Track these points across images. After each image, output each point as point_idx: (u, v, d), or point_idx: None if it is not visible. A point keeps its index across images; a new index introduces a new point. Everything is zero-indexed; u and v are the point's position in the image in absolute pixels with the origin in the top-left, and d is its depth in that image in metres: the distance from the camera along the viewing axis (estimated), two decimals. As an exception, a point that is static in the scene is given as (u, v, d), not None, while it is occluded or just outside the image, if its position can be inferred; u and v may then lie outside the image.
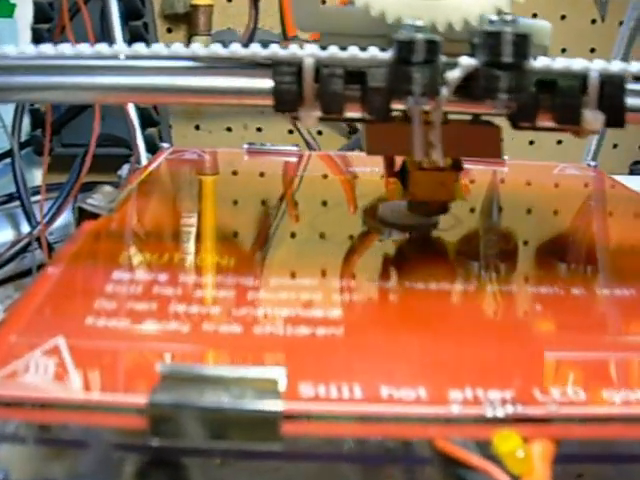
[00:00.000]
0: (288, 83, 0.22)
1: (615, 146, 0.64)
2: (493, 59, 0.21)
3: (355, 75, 0.22)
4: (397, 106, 0.22)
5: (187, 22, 0.63)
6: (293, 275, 0.25)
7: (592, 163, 0.43)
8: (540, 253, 0.29)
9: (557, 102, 0.23)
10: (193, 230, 0.30)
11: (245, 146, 0.44)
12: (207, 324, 0.21)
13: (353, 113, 0.23)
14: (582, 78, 0.22)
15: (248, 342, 0.21)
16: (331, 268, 0.26)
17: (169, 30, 0.63)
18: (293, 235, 0.30)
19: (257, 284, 0.24)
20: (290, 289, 0.24)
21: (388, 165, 0.30)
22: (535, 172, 0.42)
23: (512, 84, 0.21)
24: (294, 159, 0.43)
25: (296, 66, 0.22)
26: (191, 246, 0.29)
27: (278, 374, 0.18)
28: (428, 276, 0.25)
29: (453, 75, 0.21)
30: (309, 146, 0.56)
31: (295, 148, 0.45)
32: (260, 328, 0.21)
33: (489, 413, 0.18)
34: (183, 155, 0.43)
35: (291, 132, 0.64)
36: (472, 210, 0.33)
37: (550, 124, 0.24)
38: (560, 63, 0.22)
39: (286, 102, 0.22)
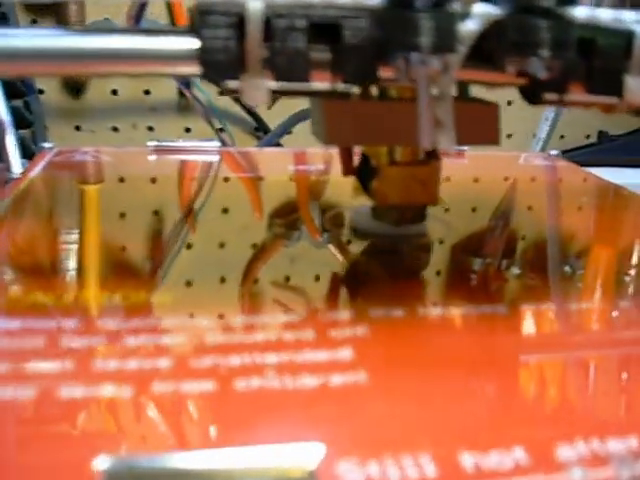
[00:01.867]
0: (222, 39, 0.15)
1: (562, 137, 0.59)
2: (527, 3, 0.15)
3: (324, 29, 0.15)
4: (385, 73, 0.15)
5: (55, 13, 0.54)
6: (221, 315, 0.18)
7: (553, 152, 0.38)
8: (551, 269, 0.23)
9: (596, 66, 0.17)
10: (74, 251, 0.24)
11: (151, 143, 0.37)
12: (142, 381, 0.14)
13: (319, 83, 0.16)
14: (627, 37, 0.16)
15: (225, 406, 0.14)
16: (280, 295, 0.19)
17: (34, 21, 0.54)
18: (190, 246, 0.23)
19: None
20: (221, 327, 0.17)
21: (346, 159, 0.22)
22: (501, 164, 0.36)
23: (554, 38, 0.15)
24: (210, 158, 0.36)
25: (234, 16, 0.15)
26: (73, 275, 0.21)
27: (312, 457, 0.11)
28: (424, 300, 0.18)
29: (469, 27, 0.15)
30: (223, 143, 0.49)
31: (213, 144, 0.38)
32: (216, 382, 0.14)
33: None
34: (72, 157, 0.35)
35: (188, 130, 0.56)
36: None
37: (580, 96, 0.17)
38: (606, 14, 0.16)
39: (219, 66, 0.15)
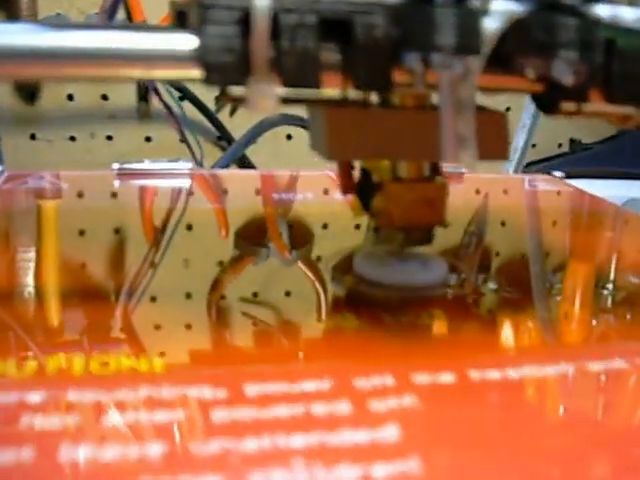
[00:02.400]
0: (225, 38, 0.13)
1: (534, 146, 0.58)
2: (551, 1, 0.14)
3: (335, 26, 0.14)
4: (400, 77, 0.14)
5: (4, 7, 0.52)
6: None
7: (558, 174, 0.36)
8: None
9: (616, 70, 0.16)
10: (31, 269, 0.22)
11: (115, 166, 0.34)
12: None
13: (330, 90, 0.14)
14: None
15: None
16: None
17: (-21, 16, 0.52)
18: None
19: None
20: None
21: (345, 175, 0.21)
22: (508, 188, 0.35)
23: (582, 38, 0.14)
24: (182, 183, 0.34)
25: (239, 10, 0.13)
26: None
27: None
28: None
29: (492, 26, 0.14)
30: (194, 157, 0.47)
31: (185, 165, 0.35)
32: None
33: None
34: (24, 183, 0.32)
35: (149, 140, 0.55)
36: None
37: (598, 105, 0.16)
38: (629, 13, 0.15)
39: (223, 69, 0.13)
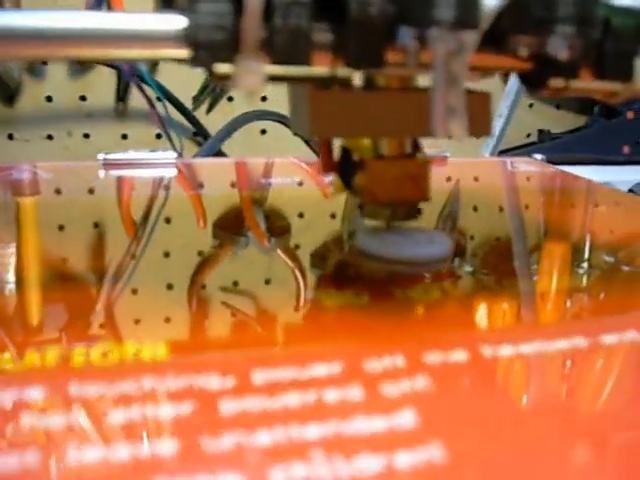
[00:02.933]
0: (216, 15, 0.13)
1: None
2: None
3: (329, 4, 0.14)
4: (394, 56, 0.14)
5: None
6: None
7: (538, 157, 0.37)
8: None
9: (608, 47, 0.16)
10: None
11: (100, 157, 0.34)
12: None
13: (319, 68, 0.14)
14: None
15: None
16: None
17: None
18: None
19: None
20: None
21: (325, 154, 0.21)
22: (493, 170, 0.35)
23: (580, 14, 0.14)
24: (168, 173, 0.34)
25: (229, -11, 0.13)
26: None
27: None
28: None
29: (491, 1, 0.14)
30: (175, 150, 0.46)
31: (169, 154, 0.35)
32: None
33: None
34: (9, 175, 0.32)
35: (125, 137, 0.54)
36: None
37: (587, 82, 0.16)
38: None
39: (212, 47, 0.13)
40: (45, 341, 0.16)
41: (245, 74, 0.13)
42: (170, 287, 0.20)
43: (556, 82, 0.16)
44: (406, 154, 0.19)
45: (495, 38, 0.14)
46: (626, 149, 0.54)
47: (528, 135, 0.60)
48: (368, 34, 0.13)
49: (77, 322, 0.17)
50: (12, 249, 0.23)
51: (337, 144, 0.21)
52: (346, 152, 0.20)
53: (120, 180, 0.33)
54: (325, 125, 0.18)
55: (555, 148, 0.53)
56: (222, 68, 0.14)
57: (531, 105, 0.59)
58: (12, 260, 0.22)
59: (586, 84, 0.16)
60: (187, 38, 0.13)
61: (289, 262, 0.22)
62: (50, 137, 0.53)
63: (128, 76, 0.42)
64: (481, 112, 0.18)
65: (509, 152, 0.54)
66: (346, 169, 0.20)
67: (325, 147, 0.21)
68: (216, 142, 0.48)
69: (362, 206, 0.21)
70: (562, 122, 0.60)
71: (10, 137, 0.53)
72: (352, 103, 0.17)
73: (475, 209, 0.29)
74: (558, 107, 0.60)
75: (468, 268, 0.22)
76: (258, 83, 0.14)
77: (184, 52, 0.14)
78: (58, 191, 0.31)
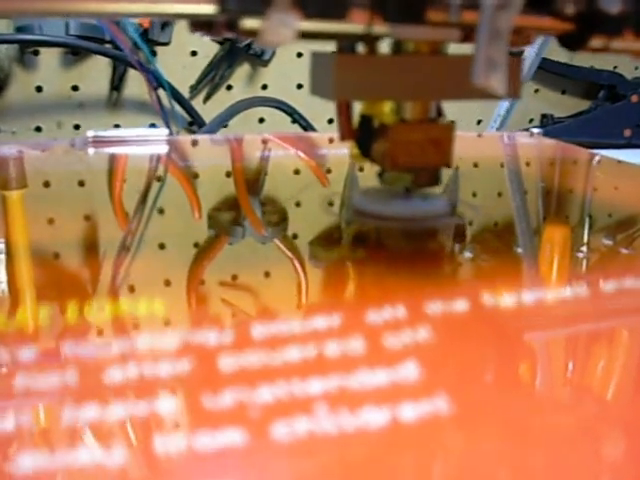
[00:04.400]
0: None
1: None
2: None
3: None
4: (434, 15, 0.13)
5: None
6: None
7: (535, 131, 0.36)
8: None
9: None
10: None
11: (89, 134, 0.33)
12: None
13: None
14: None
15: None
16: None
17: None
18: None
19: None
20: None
21: (345, 121, 0.20)
22: (490, 142, 0.34)
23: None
24: (160, 149, 0.33)
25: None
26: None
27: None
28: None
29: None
30: (168, 125, 0.45)
31: (161, 131, 0.34)
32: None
33: None
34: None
35: (117, 127, 0.53)
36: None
37: (626, 42, 0.16)
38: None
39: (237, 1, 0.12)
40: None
41: (276, 27, 0.12)
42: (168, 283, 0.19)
43: (597, 42, 0.15)
44: (430, 118, 0.19)
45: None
46: (627, 132, 0.54)
47: (531, 120, 0.59)
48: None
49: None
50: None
51: (356, 112, 0.20)
52: (365, 119, 0.20)
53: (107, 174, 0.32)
54: (349, 88, 0.17)
55: (557, 132, 0.52)
56: (250, 23, 0.13)
57: (537, 90, 0.59)
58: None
59: (627, 44, 0.16)
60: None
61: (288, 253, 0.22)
62: (38, 129, 0.52)
63: (130, 56, 0.41)
64: (514, 74, 0.18)
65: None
66: (365, 137, 0.20)
67: (345, 114, 0.20)
68: (213, 127, 0.47)
69: (381, 173, 0.20)
70: (567, 107, 0.59)
71: (-4, 129, 0.51)
72: (378, 67, 0.17)
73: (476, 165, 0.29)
74: (564, 92, 0.60)
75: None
76: (288, 37, 0.13)
77: (209, 6, 0.13)
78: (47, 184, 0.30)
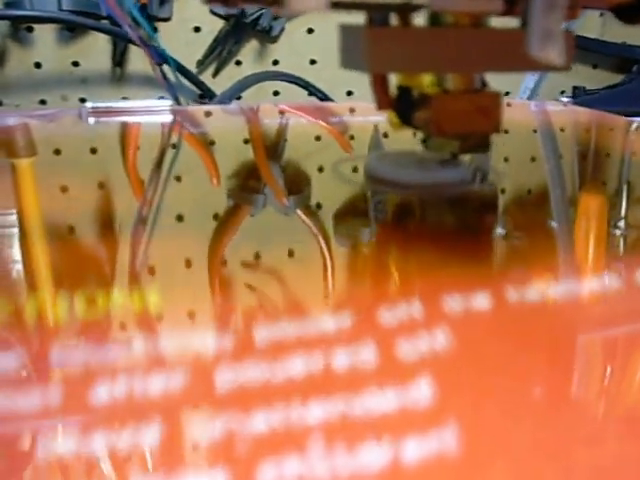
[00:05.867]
0: None
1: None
2: None
3: None
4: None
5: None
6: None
7: (564, 99, 0.35)
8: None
9: None
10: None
11: (88, 105, 0.32)
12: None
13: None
14: None
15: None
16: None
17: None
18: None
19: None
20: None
21: (381, 91, 0.19)
22: (518, 109, 0.33)
23: None
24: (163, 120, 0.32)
25: None
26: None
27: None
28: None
29: None
30: (176, 99, 0.43)
31: (164, 103, 0.33)
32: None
33: None
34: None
35: (125, 98, 0.51)
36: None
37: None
38: None
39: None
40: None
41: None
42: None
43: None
44: (474, 89, 0.18)
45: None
46: (663, 105, 0.52)
47: (562, 92, 0.57)
48: None
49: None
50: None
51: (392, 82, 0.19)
52: (404, 90, 0.19)
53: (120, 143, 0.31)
54: (384, 60, 0.17)
55: (588, 103, 0.51)
56: None
57: (567, 65, 0.57)
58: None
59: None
60: None
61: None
62: (43, 102, 0.50)
63: (131, 33, 0.39)
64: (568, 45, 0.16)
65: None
66: (405, 106, 0.19)
67: (380, 84, 0.19)
68: (225, 99, 0.45)
69: (426, 139, 0.19)
70: (598, 80, 0.57)
71: (-1, 103, 0.50)
72: (413, 39, 0.16)
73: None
74: (595, 67, 0.58)
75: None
76: (321, 4, 0.11)
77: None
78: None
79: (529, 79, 0.38)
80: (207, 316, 0.15)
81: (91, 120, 0.31)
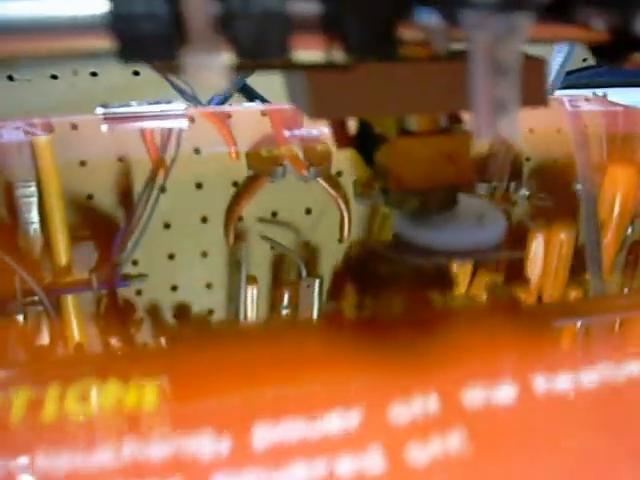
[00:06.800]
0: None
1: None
2: None
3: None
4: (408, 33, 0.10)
5: None
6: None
7: (599, 93, 0.33)
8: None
9: None
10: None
11: (99, 110, 0.31)
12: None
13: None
14: None
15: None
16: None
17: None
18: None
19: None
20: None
21: (338, 127, 0.17)
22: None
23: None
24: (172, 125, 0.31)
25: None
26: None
27: None
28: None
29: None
30: (186, 97, 0.42)
31: (178, 106, 0.32)
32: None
33: None
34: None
35: (137, 74, 0.50)
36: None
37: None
38: None
39: (140, 40, 0.09)
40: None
41: (199, 70, 0.09)
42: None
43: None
44: (441, 128, 0.15)
45: (557, 7, 0.10)
46: None
47: (584, 59, 0.55)
48: (372, 11, 0.09)
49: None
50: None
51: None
52: (364, 125, 0.17)
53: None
54: (329, 106, 0.14)
55: (613, 71, 0.49)
56: (167, 64, 0.10)
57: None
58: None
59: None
60: (111, 28, 0.09)
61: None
62: (54, 77, 0.49)
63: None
64: (535, 80, 0.14)
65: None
66: (365, 144, 0.17)
67: (336, 121, 0.17)
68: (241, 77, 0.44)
69: (385, 191, 0.17)
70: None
71: (10, 78, 0.49)
72: (358, 81, 0.14)
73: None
74: None
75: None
76: (220, 81, 0.10)
77: (108, 43, 0.10)
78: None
79: (555, 61, 0.36)
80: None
81: (104, 128, 0.30)
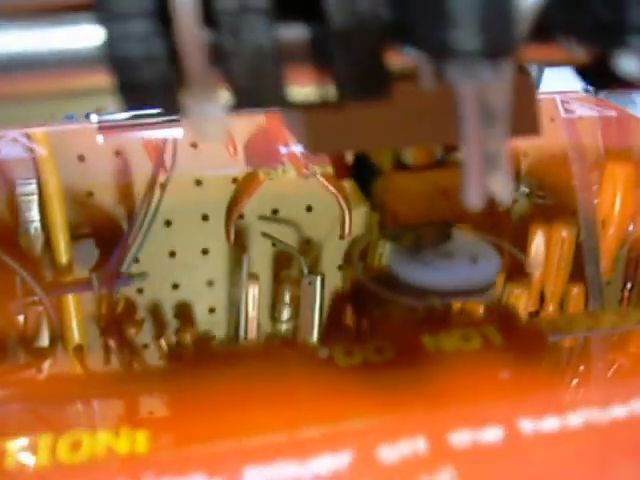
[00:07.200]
0: (139, 40, 0.09)
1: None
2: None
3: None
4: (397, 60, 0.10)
5: None
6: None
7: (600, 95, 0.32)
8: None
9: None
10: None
11: (94, 119, 0.30)
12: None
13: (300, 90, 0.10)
14: None
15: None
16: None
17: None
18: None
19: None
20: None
21: (336, 160, 0.17)
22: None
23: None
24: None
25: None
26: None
27: None
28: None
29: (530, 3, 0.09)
30: None
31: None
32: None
33: None
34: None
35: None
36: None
37: None
38: None
39: (138, 86, 0.09)
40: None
41: (200, 121, 0.09)
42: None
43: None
44: (436, 161, 0.15)
45: (544, 32, 0.10)
46: None
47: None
48: (359, 42, 0.09)
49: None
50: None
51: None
52: (361, 158, 0.17)
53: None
54: (326, 142, 0.14)
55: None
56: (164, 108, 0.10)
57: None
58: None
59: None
60: (106, 62, 0.09)
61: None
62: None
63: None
64: (526, 103, 0.14)
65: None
66: (363, 175, 0.17)
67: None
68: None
69: (382, 226, 0.17)
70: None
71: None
72: (354, 117, 0.13)
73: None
74: None
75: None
76: (219, 131, 0.10)
77: (104, 79, 0.10)
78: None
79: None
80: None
81: (100, 138, 0.30)
